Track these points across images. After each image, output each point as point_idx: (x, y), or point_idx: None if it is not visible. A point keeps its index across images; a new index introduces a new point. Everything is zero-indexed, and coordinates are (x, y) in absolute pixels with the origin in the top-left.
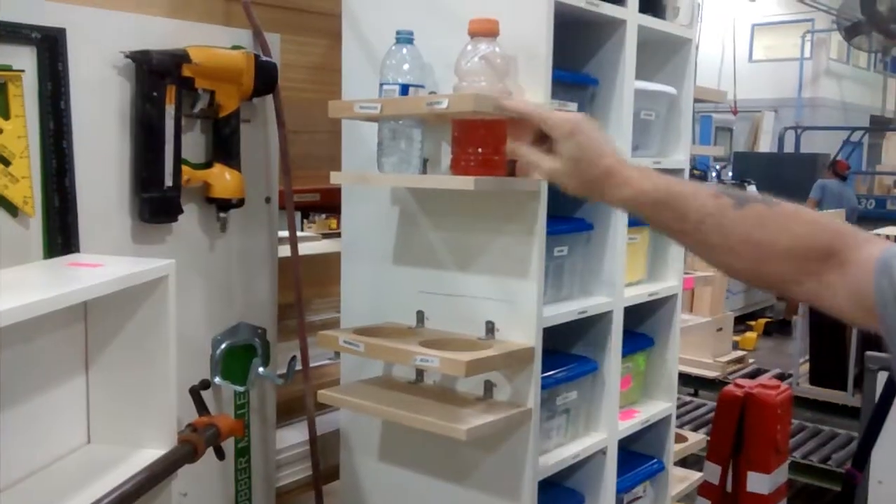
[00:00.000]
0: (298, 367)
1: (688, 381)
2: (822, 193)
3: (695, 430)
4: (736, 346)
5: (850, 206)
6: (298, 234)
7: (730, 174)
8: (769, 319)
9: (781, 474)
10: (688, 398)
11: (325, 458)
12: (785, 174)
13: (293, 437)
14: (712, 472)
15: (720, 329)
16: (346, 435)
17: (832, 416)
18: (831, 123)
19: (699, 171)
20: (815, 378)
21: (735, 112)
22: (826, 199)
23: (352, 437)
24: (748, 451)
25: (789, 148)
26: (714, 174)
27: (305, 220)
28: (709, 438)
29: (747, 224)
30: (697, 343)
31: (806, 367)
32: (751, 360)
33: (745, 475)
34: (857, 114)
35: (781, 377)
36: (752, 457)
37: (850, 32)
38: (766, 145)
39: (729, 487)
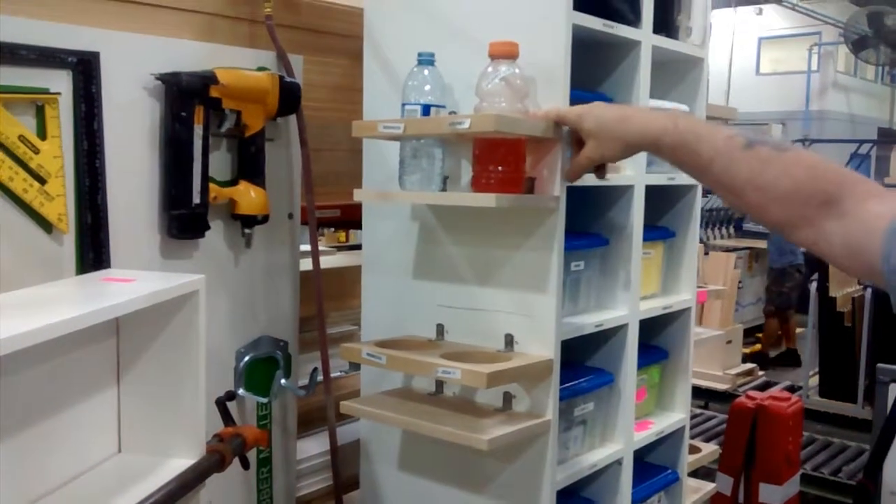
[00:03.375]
0: (319, 378)
1: (698, 394)
2: None
3: (706, 441)
4: (746, 358)
5: None
6: (305, 248)
7: None
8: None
9: (793, 486)
10: (698, 410)
11: (344, 469)
12: None
13: (313, 447)
14: (724, 483)
15: (730, 342)
16: (365, 445)
17: (842, 429)
18: (839, 136)
19: None
20: (825, 390)
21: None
22: None
23: (371, 447)
24: (760, 462)
25: None
26: None
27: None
28: (721, 450)
29: (751, 165)
30: (707, 356)
31: (816, 379)
32: (760, 373)
33: (758, 487)
34: (865, 126)
35: (791, 389)
36: (764, 468)
37: (858, 46)
38: None
39: (741, 499)
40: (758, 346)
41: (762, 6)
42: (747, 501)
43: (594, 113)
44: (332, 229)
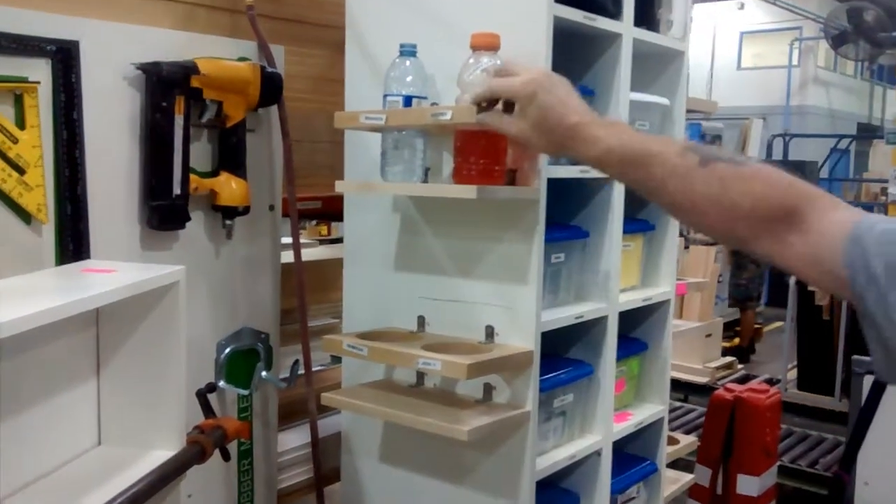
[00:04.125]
0: (300, 371)
1: (677, 387)
2: None
3: (686, 434)
4: (726, 351)
5: None
6: (288, 240)
7: None
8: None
9: (770, 477)
10: (678, 403)
11: (325, 461)
12: None
13: (295, 439)
14: (703, 474)
15: (709, 335)
16: (346, 437)
17: (820, 422)
18: (819, 131)
19: None
20: (803, 383)
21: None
22: None
23: (353, 439)
24: (738, 454)
25: (777, 155)
26: None
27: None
28: (699, 442)
29: (710, 183)
30: (687, 349)
31: (794, 372)
32: (739, 366)
33: (735, 478)
34: (845, 121)
35: (770, 382)
36: (741, 460)
37: (837, 41)
38: (754, 152)
39: (719, 490)
40: (736, 340)
41: (743, 1)
42: (725, 493)
43: (542, 103)
44: (314, 222)
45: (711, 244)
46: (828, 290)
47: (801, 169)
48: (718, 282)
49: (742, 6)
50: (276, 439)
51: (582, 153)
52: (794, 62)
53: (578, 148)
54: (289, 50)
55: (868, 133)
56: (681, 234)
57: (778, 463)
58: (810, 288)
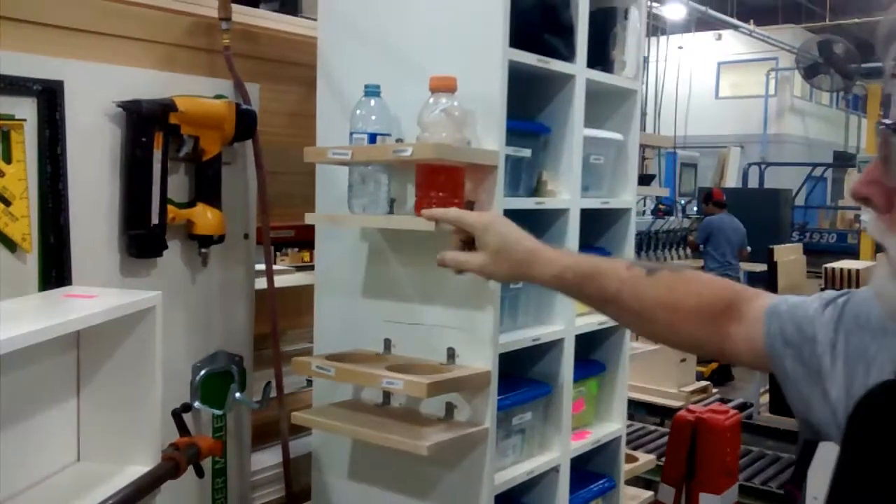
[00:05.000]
0: (273, 393)
1: (653, 411)
2: (709, 231)
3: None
4: (700, 376)
5: (740, 236)
6: (276, 267)
7: (694, 209)
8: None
9: (731, 496)
10: (653, 427)
11: (297, 480)
12: (749, 209)
13: (268, 459)
14: (666, 493)
15: (684, 360)
16: (317, 456)
17: (791, 444)
18: (796, 159)
19: (665, 205)
20: (775, 407)
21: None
22: (715, 235)
23: (323, 457)
24: (700, 473)
25: (753, 183)
26: (679, 209)
27: (279, 254)
28: (662, 462)
29: (659, 289)
30: (662, 373)
31: (766, 396)
32: (714, 391)
33: (697, 497)
34: (821, 149)
35: (744, 406)
36: (703, 479)
37: (810, 72)
38: (732, 181)
39: None
40: (714, 364)
41: (721, 32)
42: None
43: (500, 230)
44: (297, 249)
45: None
46: (761, 368)
47: (775, 197)
48: None
49: (719, 37)
50: (250, 458)
51: (540, 275)
52: (771, 92)
53: (537, 270)
54: (264, 87)
55: (844, 161)
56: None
57: (745, 483)
58: None
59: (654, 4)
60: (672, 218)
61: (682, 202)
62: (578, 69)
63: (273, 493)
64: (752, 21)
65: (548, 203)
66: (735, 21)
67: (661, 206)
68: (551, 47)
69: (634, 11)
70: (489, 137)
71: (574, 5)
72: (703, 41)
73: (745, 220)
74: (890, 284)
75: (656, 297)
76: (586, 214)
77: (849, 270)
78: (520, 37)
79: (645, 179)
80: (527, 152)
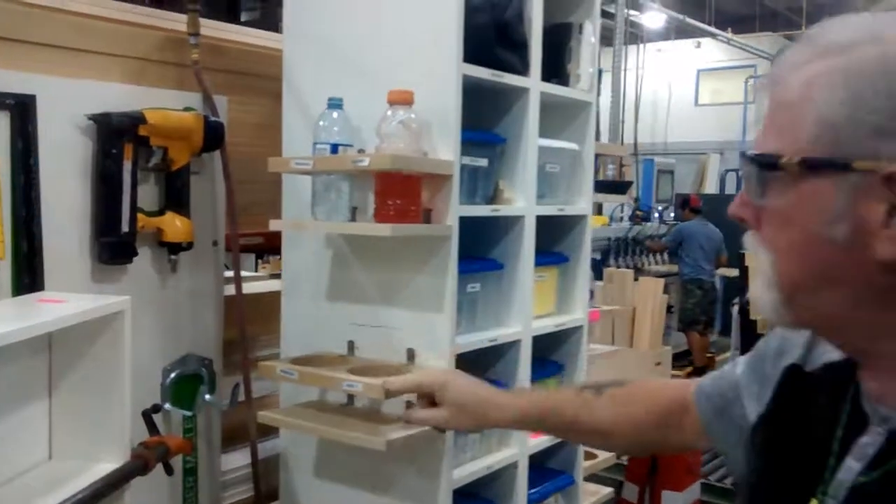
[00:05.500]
0: (242, 396)
1: None
2: (682, 237)
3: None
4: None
5: (715, 242)
6: (247, 274)
7: (671, 215)
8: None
9: (693, 493)
10: None
11: (267, 480)
12: (725, 215)
13: (238, 460)
14: (631, 491)
15: (658, 363)
16: (285, 456)
17: None
18: None
19: (642, 211)
20: None
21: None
22: (687, 241)
23: (290, 457)
24: (662, 471)
25: (731, 189)
26: (656, 215)
27: (260, 261)
28: (623, 459)
29: (611, 408)
30: (636, 376)
31: None
32: None
33: (660, 494)
34: None
35: None
36: (666, 477)
37: None
38: (712, 187)
39: None
40: (690, 369)
41: (700, 39)
42: None
43: (455, 386)
44: (279, 257)
45: (661, 276)
46: (709, 447)
47: None
48: (669, 312)
49: (699, 45)
50: (220, 459)
51: (499, 420)
52: (750, 99)
53: (496, 415)
54: (233, 100)
55: None
56: (635, 267)
57: (706, 481)
58: (752, 317)
59: (633, 13)
60: (649, 224)
61: (660, 208)
62: (532, 83)
63: (243, 492)
64: (729, 29)
65: (503, 210)
66: (713, 29)
67: (638, 213)
68: (505, 62)
69: (589, 26)
70: (445, 148)
71: (527, 21)
72: (682, 49)
73: (721, 227)
74: (765, 293)
75: (611, 414)
76: (543, 221)
77: None
78: (474, 52)
79: (621, 186)
80: (483, 162)
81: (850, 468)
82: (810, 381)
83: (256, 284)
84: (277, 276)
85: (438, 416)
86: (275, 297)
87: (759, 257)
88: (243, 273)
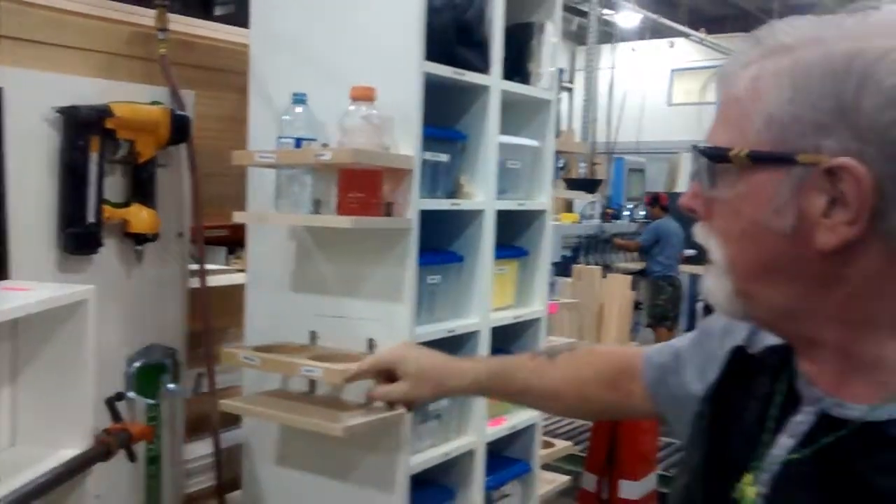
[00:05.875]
0: (206, 386)
1: None
2: (659, 235)
3: None
4: None
5: (682, 240)
6: (214, 267)
7: (641, 213)
8: None
9: (650, 483)
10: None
11: (230, 469)
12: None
13: (202, 449)
14: (589, 480)
15: None
16: (247, 445)
17: None
18: None
19: (613, 209)
20: None
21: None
22: (664, 239)
23: (253, 446)
24: (620, 461)
25: None
26: (627, 212)
27: (231, 256)
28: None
29: (562, 370)
30: None
31: None
32: None
33: (618, 483)
34: None
35: None
36: (623, 466)
37: None
38: (683, 186)
39: (604, 495)
40: None
41: (673, 39)
42: (609, 497)
43: (413, 357)
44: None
45: (629, 273)
46: (657, 415)
47: None
48: (637, 308)
49: (672, 44)
50: (182, 447)
51: (458, 386)
52: None
53: (454, 383)
54: (200, 94)
55: None
56: (604, 264)
57: (663, 472)
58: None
59: (608, 12)
60: (619, 221)
61: (630, 206)
62: (493, 81)
63: (206, 481)
64: (703, 29)
65: (463, 204)
66: (686, 29)
67: (608, 210)
68: (466, 60)
69: (549, 26)
70: (406, 143)
71: (488, 21)
72: (656, 48)
73: (688, 225)
74: (717, 283)
75: (562, 377)
76: (504, 216)
77: None
78: (436, 50)
79: (592, 184)
80: (444, 157)
81: (783, 445)
82: (753, 363)
83: (223, 277)
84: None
85: (399, 388)
86: (242, 290)
87: (710, 248)
88: (211, 266)
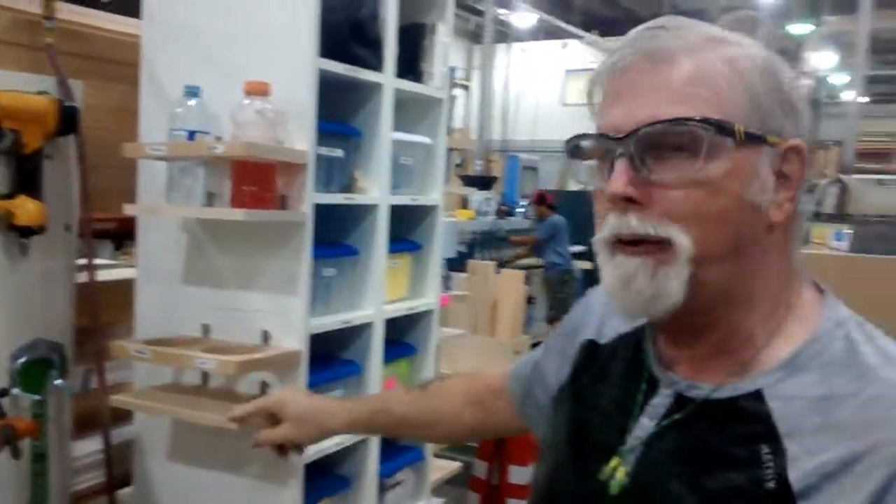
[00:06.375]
0: (95, 383)
1: None
2: (556, 230)
3: None
4: None
5: (568, 237)
6: (102, 262)
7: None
8: None
9: None
10: None
11: (121, 466)
12: (582, 209)
13: (91, 446)
14: (480, 467)
15: (518, 352)
16: (139, 441)
17: None
18: None
19: (506, 206)
20: None
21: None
22: (560, 234)
23: (144, 441)
24: (509, 448)
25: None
26: (521, 209)
27: (119, 251)
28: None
29: (435, 396)
30: (498, 365)
31: None
32: None
33: (507, 469)
34: None
35: None
36: (512, 453)
37: None
38: (575, 184)
39: (495, 481)
40: None
41: (567, 40)
42: (500, 482)
43: (292, 399)
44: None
45: (523, 268)
46: (526, 428)
47: None
48: (530, 303)
49: (565, 45)
50: (70, 444)
51: (335, 426)
52: None
53: (331, 423)
54: (89, 84)
55: None
56: (498, 260)
57: None
58: None
59: (503, 11)
60: (514, 218)
61: (523, 203)
62: (387, 79)
63: (95, 478)
64: (595, 31)
65: (357, 199)
66: (579, 31)
67: (502, 207)
68: (360, 58)
69: (441, 27)
70: (301, 138)
71: (382, 20)
72: (550, 49)
73: (584, 222)
74: (672, 272)
75: (436, 405)
76: (398, 210)
77: None
78: (331, 48)
79: (487, 181)
80: (339, 153)
81: (644, 426)
82: (605, 353)
83: (112, 272)
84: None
85: (280, 431)
86: (130, 285)
87: (667, 235)
88: (99, 261)
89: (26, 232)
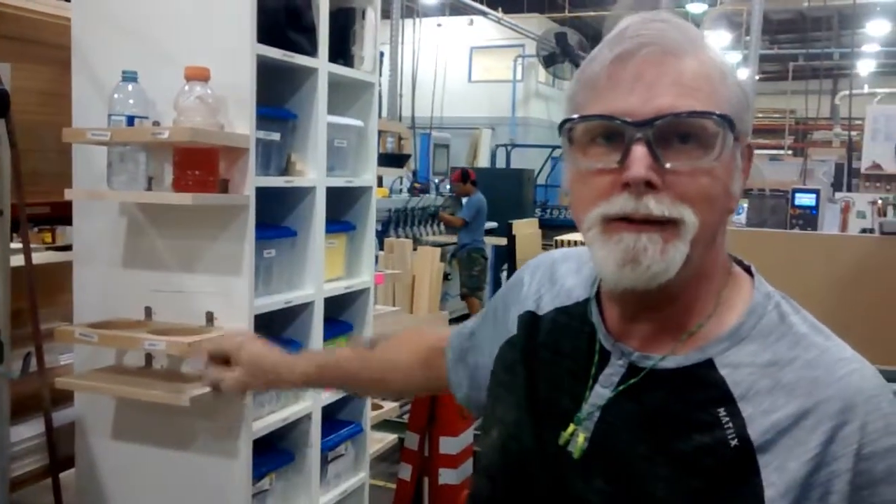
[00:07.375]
0: (34, 366)
1: None
2: (478, 209)
3: None
4: None
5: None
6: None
7: (447, 187)
8: None
9: (467, 438)
10: None
11: (62, 448)
12: (496, 187)
13: (29, 431)
14: (412, 439)
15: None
16: (80, 422)
17: None
18: (540, 141)
19: (420, 183)
20: None
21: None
22: (481, 213)
23: (87, 423)
24: (439, 419)
25: (501, 163)
26: (434, 187)
27: (15, 234)
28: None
29: (383, 354)
30: None
31: None
32: None
33: (438, 440)
34: None
35: None
36: (442, 424)
37: (548, 61)
38: (485, 161)
39: (426, 452)
40: None
41: (472, 17)
42: (431, 453)
43: (252, 348)
44: (37, 230)
45: (438, 245)
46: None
47: (519, 176)
48: (446, 279)
49: (471, 22)
50: (9, 430)
51: (288, 379)
52: (519, 77)
53: (285, 376)
54: (17, 66)
55: None
56: (413, 237)
57: (476, 430)
58: None
59: None
60: (427, 195)
61: (437, 181)
62: (321, 63)
63: (35, 462)
64: (500, 8)
65: (296, 182)
66: (484, 8)
67: (416, 185)
68: (296, 43)
69: (371, 12)
70: (241, 122)
71: (315, 6)
72: (456, 26)
73: (493, 198)
74: (677, 249)
75: (384, 360)
76: (333, 192)
77: (575, 241)
78: (268, 34)
79: (400, 159)
80: (276, 136)
81: (599, 393)
82: (545, 324)
83: (38, 256)
84: (57, 248)
85: (232, 375)
86: (56, 268)
87: (679, 215)
88: (17, 245)
89: None
